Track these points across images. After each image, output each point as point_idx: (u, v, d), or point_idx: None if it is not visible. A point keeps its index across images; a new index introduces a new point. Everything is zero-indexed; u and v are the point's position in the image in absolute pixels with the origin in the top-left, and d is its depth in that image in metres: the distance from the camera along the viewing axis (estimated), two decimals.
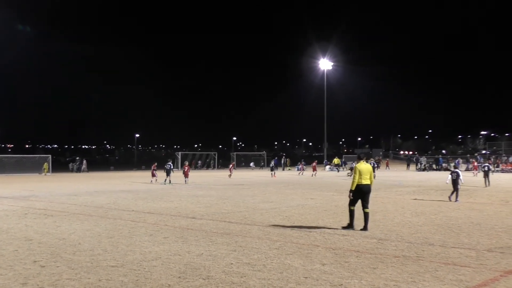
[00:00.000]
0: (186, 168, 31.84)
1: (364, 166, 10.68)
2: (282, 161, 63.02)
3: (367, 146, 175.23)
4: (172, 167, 31.12)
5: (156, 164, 33.37)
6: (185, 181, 30.54)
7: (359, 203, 10.72)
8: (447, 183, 18.41)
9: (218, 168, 70.67)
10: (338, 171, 40.40)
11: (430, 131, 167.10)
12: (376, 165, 46.04)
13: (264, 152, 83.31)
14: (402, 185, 27.31)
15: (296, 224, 11.55)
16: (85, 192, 22.81)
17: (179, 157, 63.96)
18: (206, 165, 70.66)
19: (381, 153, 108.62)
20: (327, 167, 57.32)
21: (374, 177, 37.03)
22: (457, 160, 52.08)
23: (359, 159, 10.93)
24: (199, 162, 69.87)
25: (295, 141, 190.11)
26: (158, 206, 16.23)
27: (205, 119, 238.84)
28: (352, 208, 10.77)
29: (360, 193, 10.63)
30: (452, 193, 17.49)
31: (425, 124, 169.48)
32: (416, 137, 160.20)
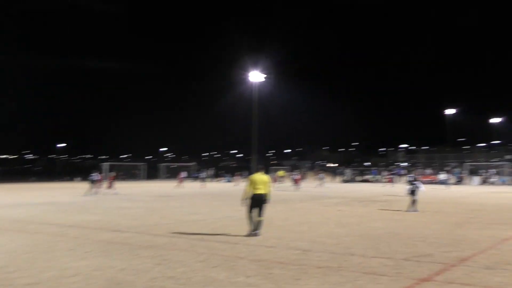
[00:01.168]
0: (112, 179, 31.09)
1: (258, 177, 11.59)
2: (211, 172, 62.90)
3: (295, 158, 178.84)
4: (97, 178, 30.22)
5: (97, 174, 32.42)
6: (112, 192, 29.76)
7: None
8: (408, 193, 19.01)
9: (146, 179, 69.35)
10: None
11: (356, 143, 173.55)
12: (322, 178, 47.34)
13: (194, 163, 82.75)
14: (327, 196, 28.04)
15: (222, 236, 11.52)
16: (0, 205, 21.55)
17: (106, 168, 62.11)
18: (134, 176, 69.12)
19: (308, 165, 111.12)
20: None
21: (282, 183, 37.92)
22: (397, 170, 54.55)
23: (259, 170, 11.95)
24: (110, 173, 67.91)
25: (224, 153, 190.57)
26: (81, 219, 15.62)
27: (135, 129, 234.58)
28: (249, 214, 11.50)
29: (255, 202, 11.43)
30: (413, 204, 18.13)
31: (351, 137, 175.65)
32: (343, 149, 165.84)
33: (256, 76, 62.28)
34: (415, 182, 18.57)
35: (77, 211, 18.34)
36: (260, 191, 11.43)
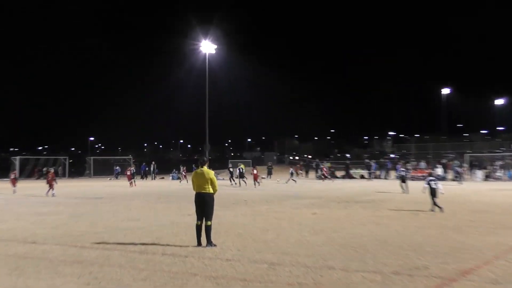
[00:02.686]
0: (13, 176, 31.03)
1: (199, 173, 11.80)
2: (152, 168, 62.42)
3: (258, 148, 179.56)
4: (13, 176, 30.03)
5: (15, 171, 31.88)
6: (50, 193, 29.24)
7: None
8: (424, 192, 19.32)
9: (69, 176, 68.09)
10: (245, 179, 41.06)
11: (332, 131, 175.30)
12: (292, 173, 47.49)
13: (129, 156, 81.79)
14: (297, 196, 28.26)
15: (168, 247, 11.46)
16: None
17: (16, 163, 60.66)
18: (55, 173, 67.80)
19: (274, 157, 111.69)
20: None
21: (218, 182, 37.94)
22: (387, 162, 55.26)
23: (200, 164, 12.08)
24: (49, 169, 66.59)
25: (170, 143, 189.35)
26: None
27: (55, 115, 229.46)
28: (197, 222, 11.70)
29: (197, 203, 11.73)
30: (434, 203, 18.69)
31: (326, 124, 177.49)
32: (316, 138, 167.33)
33: (207, 47, 62.13)
34: (432, 178, 19.17)
35: None
36: (202, 189, 11.66)
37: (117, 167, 62.78)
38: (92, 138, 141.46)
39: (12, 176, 33.79)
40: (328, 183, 44.95)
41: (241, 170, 41.81)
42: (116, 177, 61.43)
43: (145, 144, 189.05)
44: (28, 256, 10.60)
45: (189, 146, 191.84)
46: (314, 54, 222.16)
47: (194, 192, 11.89)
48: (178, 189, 37.03)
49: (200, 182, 11.74)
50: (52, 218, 17.97)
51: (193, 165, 64.69)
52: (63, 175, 67.37)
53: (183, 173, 52.20)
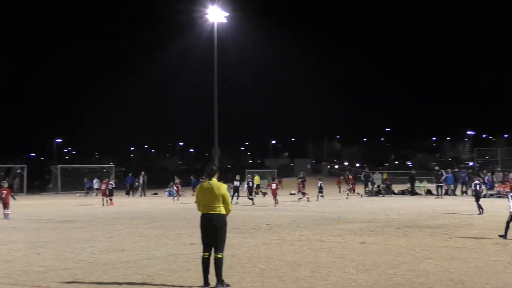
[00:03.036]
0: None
1: (208, 187, 11.65)
2: (141, 180, 62.64)
3: (285, 154, 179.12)
4: None
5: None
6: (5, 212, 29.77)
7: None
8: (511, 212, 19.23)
9: (28, 192, 68.65)
10: (253, 196, 40.89)
11: (387, 130, 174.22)
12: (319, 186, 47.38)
13: (111, 164, 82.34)
14: (341, 219, 28.15)
15: None
16: None
17: None
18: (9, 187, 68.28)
19: (308, 166, 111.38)
20: None
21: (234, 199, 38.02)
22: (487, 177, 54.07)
23: (207, 176, 11.94)
24: (1, 183, 67.13)
25: (165, 147, 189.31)
26: None
27: (7, 108, 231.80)
28: (204, 254, 11.57)
29: (204, 227, 11.60)
30: None
31: (379, 121, 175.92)
32: (365, 140, 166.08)
33: (216, 14, 62.06)
34: None
35: None
36: (211, 210, 11.54)
37: (95, 180, 63.10)
38: (59, 140, 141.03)
39: None
40: (368, 200, 44.73)
41: (250, 184, 41.93)
42: (87, 193, 61.85)
43: (132, 149, 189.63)
44: None
45: (191, 150, 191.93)
46: (363, 28, 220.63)
47: (199, 214, 11.85)
48: (176, 208, 37.17)
49: (208, 199, 11.58)
50: (5, 248, 18.10)
51: (191, 177, 65.03)
52: (20, 190, 67.88)
53: (175, 187, 52.28)
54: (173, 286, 11.76)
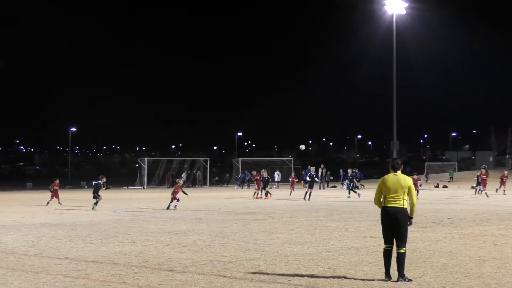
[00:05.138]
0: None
1: (393, 179, 11.49)
2: (320, 173, 62.64)
3: (466, 146, 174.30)
4: (102, 185, 31.98)
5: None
6: (170, 206, 31.09)
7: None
8: None
9: (210, 184, 70.57)
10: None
11: None
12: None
13: (290, 157, 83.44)
14: None
15: (345, 280, 11.48)
16: None
17: (145, 166, 64.14)
18: (192, 179, 70.43)
19: (491, 158, 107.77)
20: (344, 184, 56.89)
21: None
22: None
23: (392, 168, 11.73)
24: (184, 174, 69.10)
25: (343, 140, 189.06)
26: (111, 250, 16.30)
27: (185, 111, 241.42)
28: (386, 247, 11.54)
29: (387, 221, 11.43)
30: None
31: None
32: None
33: (395, 5, 61.21)
34: None
35: (103, 237, 19.15)
36: (394, 203, 11.41)
37: (277, 172, 63.84)
38: (240, 134, 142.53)
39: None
40: None
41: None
42: (241, 186, 62.78)
43: (310, 142, 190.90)
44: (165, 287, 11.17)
45: (369, 143, 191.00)
46: None
47: (377, 207, 11.76)
48: (355, 202, 37.08)
49: (393, 192, 11.42)
50: (192, 238, 18.70)
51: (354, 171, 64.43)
52: (203, 182, 69.84)
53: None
54: (354, 279, 11.73)
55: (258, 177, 42.59)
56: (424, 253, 15.01)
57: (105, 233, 20.34)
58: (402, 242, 11.35)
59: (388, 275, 11.45)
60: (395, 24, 61.57)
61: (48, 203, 35.63)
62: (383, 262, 11.64)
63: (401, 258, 11.32)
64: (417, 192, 36.06)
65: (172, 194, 31.47)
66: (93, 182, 33.52)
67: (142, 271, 12.87)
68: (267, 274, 12.35)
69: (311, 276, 12.07)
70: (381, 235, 11.67)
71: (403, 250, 11.33)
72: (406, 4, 61.53)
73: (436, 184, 64.77)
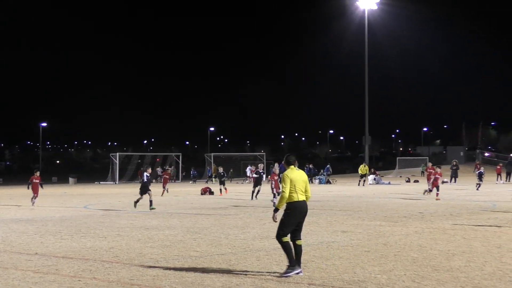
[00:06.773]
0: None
1: (297, 173, 11.89)
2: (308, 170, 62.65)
3: (437, 141, 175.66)
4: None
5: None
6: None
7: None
8: None
9: (184, 179, 70.52)
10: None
11: None
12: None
13: (263, 152, 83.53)
14: (497, 208, 27.42)
15: (316, 275, 11.57)
16: None
17: (116, 161, 64.03)
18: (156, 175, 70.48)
19: (461, 153, 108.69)
20: (370, 177, 57.39)
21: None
22: None
23: (287, 164, 12.16)
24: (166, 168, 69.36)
25: (315, 135, 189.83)
26: (81, 245, 16.32)
27: (157, 105, 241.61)
28: (284, 240, 11.76)
29: (296, 215, 11.85)
30: None
31: None
32: None
33: (366, 1, 61.45)
34: None
35: (74, 233, 19.17)
36: (303, 196, 11.90)
37: (249, 167, 63.86)
38: (212, 129, 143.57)
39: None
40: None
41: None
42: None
43: (282, 136, 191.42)
44: (135, 283, 11.15)
45: (341, 138, 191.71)
46: None
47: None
48: (326, 196, 37.22)
49: (301, 185, 11.92)
50: (163, 233, 18.77)
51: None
52: (175, 177, 69.86)
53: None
54: (325, 273, 11.84)
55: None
56: (395, 247, 15.15)
57: (76, 229, 20.36)
58: (300, 233, 12.09)
59: (292, 265, 11.67)
60: (367, 20, 61.92)
61: (33, 203, 31.48)
62: (284, 253, 11.88)
63: (299, 250, 11.87)
64: (437, 188, 33.66)
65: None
66: (145, 175, 30.35)
67: (113, 266, 12.90)
68: (237, 269, 12.41)
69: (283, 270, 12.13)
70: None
71: (300, 242, 11.96)
72: (378, 0, 61.87)
73: (407, 179, 65.05)
